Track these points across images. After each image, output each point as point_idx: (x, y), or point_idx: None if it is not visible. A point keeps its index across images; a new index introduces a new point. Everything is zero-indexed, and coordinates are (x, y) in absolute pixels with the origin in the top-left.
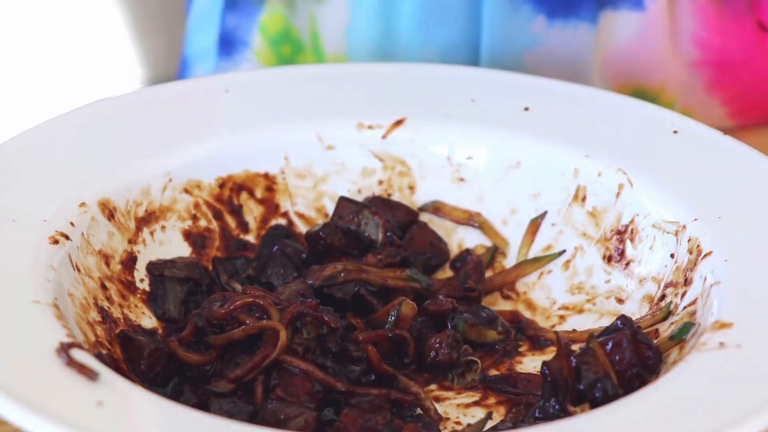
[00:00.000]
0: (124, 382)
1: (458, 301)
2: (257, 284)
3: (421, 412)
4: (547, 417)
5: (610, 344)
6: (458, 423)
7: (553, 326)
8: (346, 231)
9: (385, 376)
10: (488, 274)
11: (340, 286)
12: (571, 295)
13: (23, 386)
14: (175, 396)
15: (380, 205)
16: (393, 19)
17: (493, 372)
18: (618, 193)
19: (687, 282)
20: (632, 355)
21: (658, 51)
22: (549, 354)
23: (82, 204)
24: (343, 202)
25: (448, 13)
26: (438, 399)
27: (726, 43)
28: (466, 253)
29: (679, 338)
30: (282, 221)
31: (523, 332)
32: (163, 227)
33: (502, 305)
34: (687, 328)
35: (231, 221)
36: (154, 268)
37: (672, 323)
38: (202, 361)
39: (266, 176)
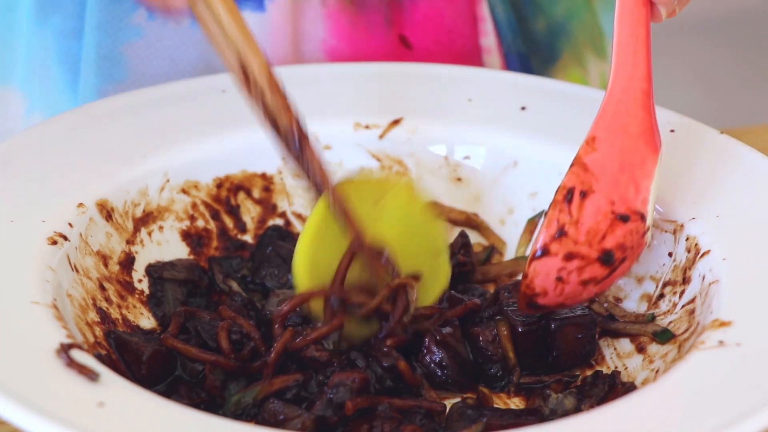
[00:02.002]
0: (125, 382)
1: (453, 279)
2: (251, 284)
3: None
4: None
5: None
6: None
7: None
8: None
9: (413, 384)
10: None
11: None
12: None
13: (23, 386)
14: (169, 395)
15: None
16: (10, 15)
17: None
18: None
19: (686, 281)
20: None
21: (279, 54)
22: None
23: (80, 204)
24: None
25: None
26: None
27: (358, 54)
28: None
29: (660, 339)
30: (279, 221)
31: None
32: (160, 228)
33: None
34: (667, 336)
35: (228, 221)
36: (153, 270)
37: (671, 321)
38: (202, 356)
39: (264, 176)
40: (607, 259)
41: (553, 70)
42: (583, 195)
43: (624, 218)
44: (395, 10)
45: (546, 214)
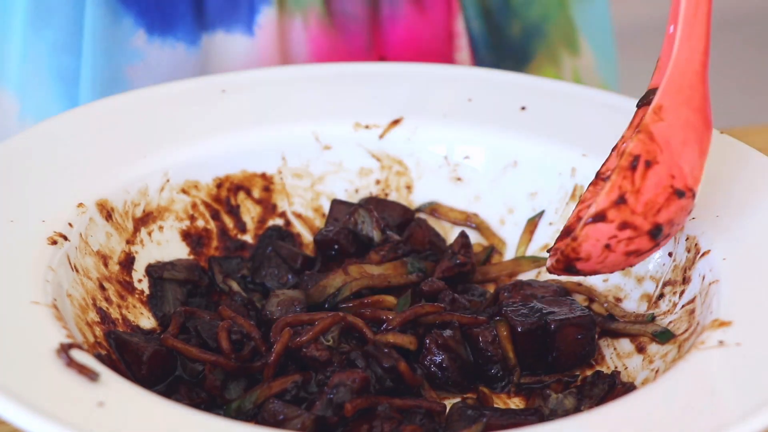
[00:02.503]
0: (125, 382)
1: (453, 279)
2: (251, 284)
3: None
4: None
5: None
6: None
7: None
8: (349, 232)
9: (414, 385)
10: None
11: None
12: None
13: (23, 386)
14: (169, 395)
15: (376, 205)
16: (7, 18)
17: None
18: None
19: (685, 280)
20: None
21: None
22: None
23: (80, 204)
24: (337, 204)
25: (52, 14)
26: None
27: None
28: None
29: (660, 339)
30: (279, 221)
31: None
32: (160, 228)
33: None
34: (667, 336)
35: (228, 221)
36: (153, 270)
37: (671, 321)
38: (202, 357)
39: (264, 176)
40: (656, 233)
41: (526, 71)
42: (648, 165)
43: (680, 194)
44: (375, 32)
45: (608, 178)
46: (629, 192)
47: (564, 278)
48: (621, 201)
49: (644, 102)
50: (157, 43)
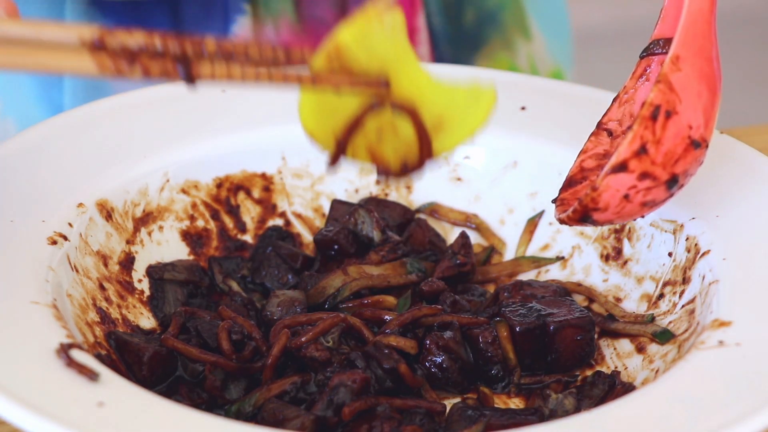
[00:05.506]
0: (125, 382)
1: (453, 279)
2: (251, 284)
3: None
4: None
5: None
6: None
7: None
8: (349, 232)
9: (414, 386)
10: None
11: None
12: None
13: (23, 386)
14: (169, 395)
15: (376, 205)
16: None
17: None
18: None
19: (685, 280)
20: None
21: None
22: None
23: (80, 204)
24: (337, 204)
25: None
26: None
27: None
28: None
29: (660, 339)
30: (279, 221)
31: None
32: (160, 227)
33: None
34: (667, 336)
35: (228, 221)
36: (153, 271)
37: (671, 321)
38: (202, 357)
39: (264, 176)
40: (672, 183)
41: (479, 56)
42: (668, 115)
43: (696, 144)
44: None
45: (630, 128)
46: (650, 142)
47: (564, 278)
48: (642, 151)
49: (648, 53)
50: None
